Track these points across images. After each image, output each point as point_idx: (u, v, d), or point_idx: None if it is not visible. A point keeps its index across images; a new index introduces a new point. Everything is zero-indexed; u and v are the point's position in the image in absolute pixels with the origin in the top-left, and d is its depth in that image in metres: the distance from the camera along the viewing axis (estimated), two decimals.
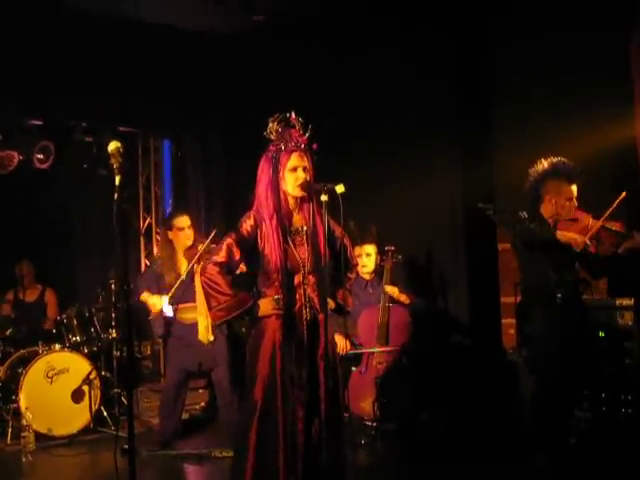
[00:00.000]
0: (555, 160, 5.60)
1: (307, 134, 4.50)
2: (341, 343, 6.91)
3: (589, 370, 5.98)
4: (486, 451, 6.15)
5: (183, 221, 7.02)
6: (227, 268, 4.53)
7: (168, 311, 6.98)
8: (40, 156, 9.02)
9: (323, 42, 8.33)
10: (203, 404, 8.51)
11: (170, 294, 6.85)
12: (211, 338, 6.48)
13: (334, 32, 8.22)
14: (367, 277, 7.34)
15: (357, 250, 7.10)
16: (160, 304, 6.94)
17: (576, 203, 5.60)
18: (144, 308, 7.12)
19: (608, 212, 5.48)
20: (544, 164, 5.62)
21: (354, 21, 8.10)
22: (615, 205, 5.46)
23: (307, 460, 4.35)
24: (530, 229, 5.52)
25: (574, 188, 5.59)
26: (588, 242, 5.42)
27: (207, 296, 4.51)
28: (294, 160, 4.45)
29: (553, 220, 5.61)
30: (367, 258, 7.27)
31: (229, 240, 4.51)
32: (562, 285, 5.41)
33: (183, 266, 6.92)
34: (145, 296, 7.02)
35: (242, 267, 5.05)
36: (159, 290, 7.02)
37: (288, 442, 4.33)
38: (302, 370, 4.40)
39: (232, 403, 6.81)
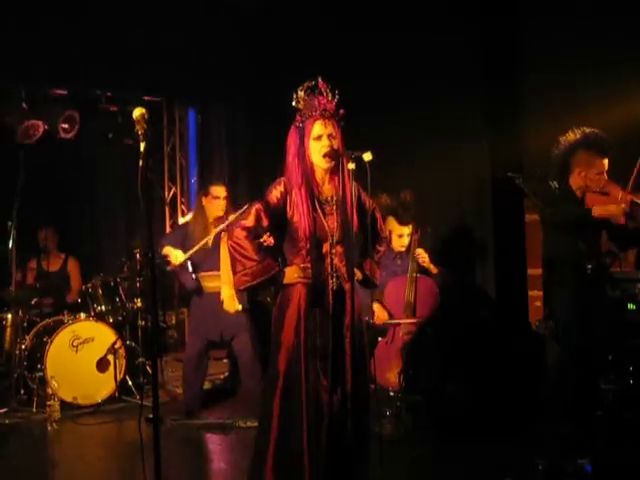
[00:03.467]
0: (588, 131, 5.39)
1: (335, 100, 4.44)
2: (379, 312, 6.90)
3: (616, 342, 5.92)
4: (512, 424, 6.13)
5: (220, 190, 7.02)
6: (255, 233, 4.50)
7: (189, 267, 6.99)
8: (65, 126, 9.06)
9: (349, 12, 8.24)
10: (226, 374, 8.53)
11: (194, 249, 6.84)
12: (239, 307, 6.51)
13: (360, 2, 8.12)
14: (400, 250, 7.26)
15: (399, 230, 7.05)
16: (182, 257, 6.93)
17: (606, 177, 5.44)
18: (166, 274, 7.13)
19: (632, 181, 5.34)
20: (576, 134, 5.41)
21: None
22: (636, 172, 5.33)
23: (331, 430, 4.32)
24: (565, 210, 5.38)
25: (605, 162, 5.41)
26: (626, 210, 5.27)
27: (233, 260, 4.48)
28: (318, 128, 4.39)
29: (581, 192, 5.46)
30: (407, 238, 7.18)
31: (258, 205, 4.48)
32: (592, 256, 5.32)
33: (212, 234, 6.91)
34: (167, 249, 7.05)
35: (270, 240, 5.03)
36: (184, 251, 7.02)
37: (312, 412, 4.30)
38: (327, 339, 4.37)
39: (255, 373, 6.81)
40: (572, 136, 5.43)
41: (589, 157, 5.39)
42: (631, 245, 5.81)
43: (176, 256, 6.97)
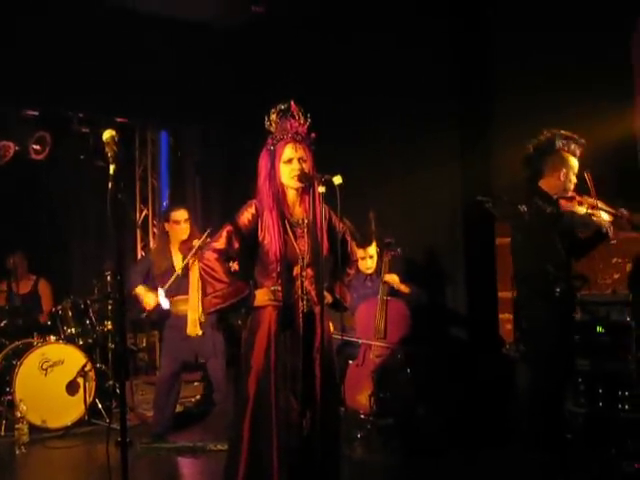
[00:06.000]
0: (561, 133, 5.40)
1: (307, 123, 4.47)
2: (145, 297, 6.94)
3: (586, 365, 5.95)
4: (482, 446, 6.14)
5: (180, 214, 7.02)
6: (225, 255, 4.51)
7: (165, 303, 6.96)
8: (36, 147, 9.01)
9: (322, 32, 8.30)
10: (198, 397, 8.49)
11: (166, 286, 6.83)
12: (199, 332, 6.52)
13: (333, 21, 8.18)
14: (365, 272, 7.28)
15: (361, 253, 7.05)
16: (154, 301, 6.95)
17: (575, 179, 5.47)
18: (135, 302, 7.12)
19: (593, 193, 5.34)
20: (548, 135, 5.43)
21: (353, 10, 8.05)
22: (592, 186, 5.33)
23: (301, 453, 4.32)
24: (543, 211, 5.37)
25: (577, 162, 5.42)
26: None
27: (203, 282, 4.49)
28: (288, 152, 4.42)
29: (556, 196, 5.46)
30: (370, 260, 7.20)
31: (229, 227, 4.49)
32: (560, 279, 5.34)
33: (177, 259, 6.91)
34: (140, 290, 7.04)
35: (235, 266, 5.04)
36: (150, 279, 7.03)
37: (282, 434, 4.31)
38: (297, 362, 4.37)
39: (228, 395, 6.80)
40: (544, 138, 5.43)
41: (565, 158, 5.37)
42: (584, 253, 5.75)
43: (149, 300, 6.97)
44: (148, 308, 6.99)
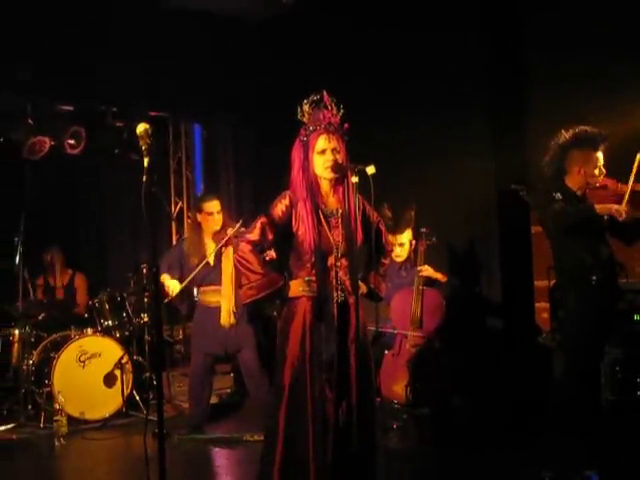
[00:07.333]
0: (577, 130, 5.36)
1: (339, 114, 4.46)
2: (169, 284, 6.87)
3: (623, 354, 5.91)
4: (518, 436, 6.12)
5: (213, 206, 6.98)
6: (260, 247, 4.54)
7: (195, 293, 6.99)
8: (71, 141, 9.05)
9: (353, 23, 8.27)
10: (234, 388, 8.51)
11: (190, 277, 6.82)
12: (233, 321, 6.51)
13: (364, 12, 8.15)
14: (400, 261, 7.27)
15: (390, 239, 7.06)
16: (177, 288, 6.91)
17: (604, 170, 5.45)
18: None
19: (633, 173, 5.29)
20: (566, 135, 5.39)
21: (385, 0, 8.03)
22: (637, 165, 5.29)
23: (337, 443, 4.33)
24: (567, 211, 5.35)
25: (600, 155, 5.38)
26: (626, 208, 5.23)
27: (238, 274, 4.53)
28: (322, 142, 4.41)
29: (582, 191, 5.44)
30: (400, 248, 7.20)
31: (263, 219, 4.50)
32: (597, 267, 5.29)
33: (210, 249, 6.89)
34: (164, 277, 6.98)
35: (271, 254, 5.06)
36: (182, 271, 7.03)
37: (318, 425, 4.31)
38: (332, 352, 4.37)
39: (261, 386, 6.81)
40: (562, 138, 5.42)
41: (584, 153, 5.36)
42: (636, 237, 5.68)
43: (173, 287, 6.93)
44: (171, 294, 6.91)
